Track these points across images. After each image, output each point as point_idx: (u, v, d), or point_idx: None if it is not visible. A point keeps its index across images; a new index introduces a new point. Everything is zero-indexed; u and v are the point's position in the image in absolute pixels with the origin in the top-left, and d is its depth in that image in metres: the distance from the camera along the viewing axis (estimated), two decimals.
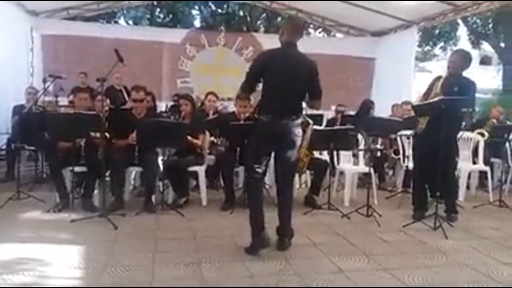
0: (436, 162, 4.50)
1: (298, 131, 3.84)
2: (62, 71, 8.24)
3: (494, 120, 7.03)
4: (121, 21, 17.39)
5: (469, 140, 6.29)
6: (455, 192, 5.31)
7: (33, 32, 9.66)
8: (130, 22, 17.50)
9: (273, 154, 3.88)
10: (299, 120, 3.85)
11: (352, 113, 7.61)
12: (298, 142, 3.88)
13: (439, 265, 3.61)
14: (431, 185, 4.98)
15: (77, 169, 4.85)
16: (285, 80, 3.72)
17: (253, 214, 3.73)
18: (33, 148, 6.39)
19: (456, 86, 4.67)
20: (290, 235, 3.90)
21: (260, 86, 3.89)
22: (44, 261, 3.46)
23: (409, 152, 6.03)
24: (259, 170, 3.79)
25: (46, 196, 5.34)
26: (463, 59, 4.83)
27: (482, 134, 6.47)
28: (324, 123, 7.38)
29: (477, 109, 8.38)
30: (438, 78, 4.95)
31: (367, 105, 7.26)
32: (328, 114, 8.28)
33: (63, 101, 7.23)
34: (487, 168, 6.26)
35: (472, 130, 6.54)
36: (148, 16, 17.63)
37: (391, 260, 3.68)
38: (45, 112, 6.23)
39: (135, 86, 5.45)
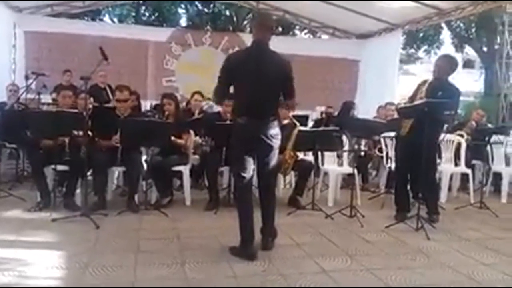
0: (417, 164, 4.55)
1: (275, 133, 3.74)
2: (45, 69, 8.15)
3: (473, 122, 7.14)
4: (106, 18, 17.26)
5: (451, 142, 6.37)
6: (436, 194, 5.38)
7: (16, 29, 9.54)
8: (115, 19, 17.36)
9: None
10: (276, 122, 3.78)
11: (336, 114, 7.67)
12: (277, 145, 3.79)
13: (421, 266, 3.64)
14: (413, 187, 5.04)
15: (59, 167, 4.79)
16: (256, 81, 3.63)
17: (242, 222, 3.66)
18: (14, 146, 6.29)
19: (440, 91, 4.71)
20: (274, 235, 3.89)
21: None
22: (25, 261, 3.40)
23: (392, 153, 6.09)
24: (245, 175, 3.72)
25: (27, 194, 5.27)
26: (449, 64, 4.88)
27: (461, 136, 6.57)
28: (310, 124, 7.44)
29: (459, 111, 8.50)
30: (424, 82, 4.99)
31: (348, 106, 7.35)
32: (313, 114, 8.35)
33: (46, 98, 7.13)
34: (469, 170, 6.35)
35: (452, 132, 6.63)
36: (134, 14, 17.51)
37: (374, 261, 3.70)
38: (27, 109, 6.14)
39: (119, 86, 5.38)
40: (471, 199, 6.02)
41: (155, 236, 4.14)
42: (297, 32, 17.49)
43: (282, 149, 5.03)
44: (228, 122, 5.35)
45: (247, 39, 10.82)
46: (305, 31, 16.57)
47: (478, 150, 6.54)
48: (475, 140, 6.59)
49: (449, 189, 6.43)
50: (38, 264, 3.36)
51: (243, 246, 3.64)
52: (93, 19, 15.63)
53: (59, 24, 10.01)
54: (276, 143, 3.77)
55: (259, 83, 3.64)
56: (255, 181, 3.91)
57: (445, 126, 5.86)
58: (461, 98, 5.14)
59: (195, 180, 6.24)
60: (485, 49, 18.67)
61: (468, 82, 20.45)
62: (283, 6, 10.89)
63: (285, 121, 5.47)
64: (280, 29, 16.64)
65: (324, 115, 7.80)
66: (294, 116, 5.60)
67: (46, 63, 9.34)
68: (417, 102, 4.74)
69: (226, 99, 4.27)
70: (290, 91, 3.84)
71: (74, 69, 8.04)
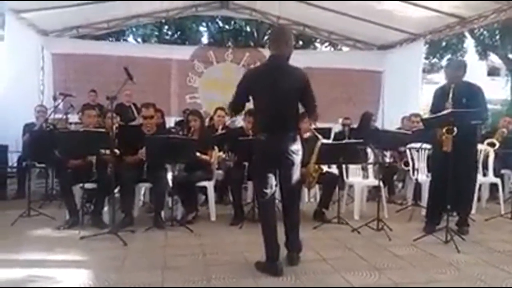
0: (456, 175, 4.44)
1: (297, 148, 3.72)
2: (72, 89, 8.38)
3: (504, 130, 6.98)
4: (130, 38, 17.58)
5: (480, 151, 6.22)
6: (470, 206, 5.21)
7: (44, 51, 9.83)
8: (139, 39, 17.69)
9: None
10: (297, 136, 3.77)
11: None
12: (298, 160, 3.76)
13: (451, 280, 3.56)
14: (447, 199, 4.90)
15: (87, 185, 4.89)
16: (273, 96, 3.63)
17: (267, 238, 3.65)
18: (43, 165, 6.45)
19: (464, 98, 4.64)
20: (299, 249, 3.86)
21: None
22: (54, 279, 3.46)
23: (418, 164, 6.00)
24: (268, 192, 3.71)
25: (56, 213, 5.38)
26: (458, 68, 4.84)
27: (493, 144, 6.42)
28: (332, 136, 7.41)
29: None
30: (441, 89, 4.91)
31: (367, 117, 7.30)
32: (336, 127, 8.32)
33: (74, 118, 7.31)
34: (498, 180, 6.21)
35: (482, 142, 6.49)
36: (157, 33, 17.79)
37: (402, 275, 3.64)
38: (56, 129, 6.29)
39: (145, 103, 5.51)
40: (502, 210, 5.88)
41: (181, 253, 4.16)
42: (317, 45, 17.50)
43: (306, 163, 5.03)
44: (251, 137, 5.38)
45: (268, 54, 10.90)
46: (326, 44, 16.56)
47: (507, 159, 6.39)
48: (503, 149, 6.45)
49: (478, 199, 6.28)
50: (67, 282, 3.42)
51: (268, 261, 3.62)
52: (118, 40, 15.96)
53: (84, 46, 10.27)
54: (298, 158, 3.75)
55: (276, 98, 3.65)
56: (278, 195, 3.90)
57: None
58: (488, 105, 5.03)
59: (220, 196, 6.26)
60: (510, 56, 18.34)
61: (494, 90, 20.04)
62: (302, 20, 10.93)
63: (307, 135, 5.47)
64: (300, 43, 16.68)
65: (346, 128, 7.77)
66: (316, 129, 5.60)
67: (72, 84, 9.58)
68: (442, 112, 4.67)
69: (241, 112, 4.25)
70: (311, 104, 3.83)
71: (100, 89, 8.21)
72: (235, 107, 3.89)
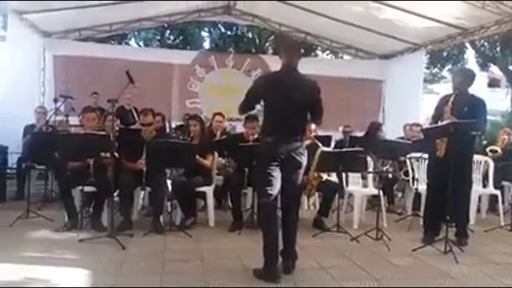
0: (452, 184, 4.45)
1: (303, 151, 3.80)
2: (73, 91, 8.35)
3: (506, 137, 6.99)
4: (132, 42, 17.57)
5: (480, 163, 6.23)
6: (468, 216, 5.20)
7: (46, 53, 9.83)
8: (141, 43, 17.70)
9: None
10: (304, 142, 3.83)
11: (360, 134, 7.60)
12: (304, 164, 3.81)
13: None
14: (445, 208, 4.90)
15: (87, 188, 4.88)
16: (286, 104, 3.71)
17: (267, 242, 3.63)
18: (43, 167, 6.43)
19: (465, 106, 4.67)
20: (294, 258, 3.84)
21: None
22: (52, 281, 3.45)
23: (418, 174, 6.00)
24: (272, 193, 3.68)
25: (55, 215, 5.36)
26: (465, 77, 4.90)
27: (495, 151, 6.43)
28: (333, 144, 7.40)
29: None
30: (445, 99, 4.91)
31: (375, 127, 7.24)
32: (336, 135, 8.32)
33: (74, 120, 7.31)
34: (498, 192, 6.20)
35: (484, 152, 6.50)
36: (159, 37, 17.82)
37: (401, 285, 3.62)
38: (56, 131, 6.29)
39: (144, 110, 5.51)
40: (501, 221, 5.87)
41: (179, 257, 4.15)
42: (319, 53, 17.53)
43: (306, 170, 5.03)
44: (251, 143, 5.37)
45: (269, 60, 10.95)
46: (327, 52, 16.59)
47: (507, 170, 6.39)
48: (503, 161, 6.45)
49: (478, 210, 6.28)
50: (65, 284, 3.40)
51: (267, 268, 3.61)
52: (120, 43, 15.95)
53: (86, 48, 10.26)
54: (304, 160, 3.80)
55: (288, 105, 3.72)
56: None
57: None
58: (488, 117, 5.05)
59: (219, 201, 6.25)
60: (510, 67, 18.39)
61: (494, 101, 20.08)
62: (304, 28, 10.97)
63: (307, 142, 5.46)
64: (302, 50, 16.69)
65: (347, 136, 7.76)
66: (316, 137, 5.60)
67: (74, 86, 9.53)
68: (442, 123, 4.69)
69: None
70: (318, 112, 3.92)
71: (101, 92, 8.17)
72: (246, 107, 3.98)
